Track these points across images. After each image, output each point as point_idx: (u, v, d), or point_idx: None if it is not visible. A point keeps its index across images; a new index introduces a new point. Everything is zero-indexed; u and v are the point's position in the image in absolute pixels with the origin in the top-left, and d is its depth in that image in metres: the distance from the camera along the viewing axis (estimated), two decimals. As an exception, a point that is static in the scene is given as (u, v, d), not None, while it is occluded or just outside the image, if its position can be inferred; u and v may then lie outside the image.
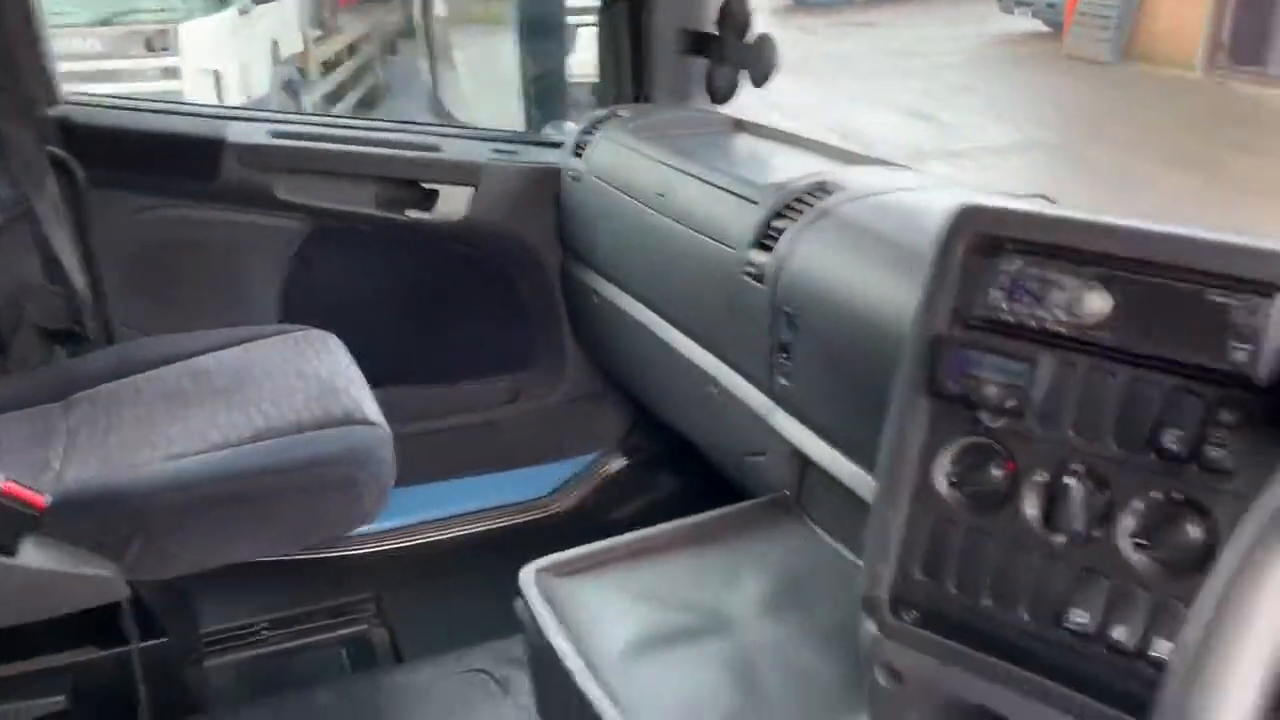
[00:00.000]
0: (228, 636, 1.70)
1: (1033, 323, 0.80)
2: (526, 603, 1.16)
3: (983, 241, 0.84)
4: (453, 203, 1.84)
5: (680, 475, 1.97)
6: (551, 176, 1.86)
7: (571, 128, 1.91)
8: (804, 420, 1.28)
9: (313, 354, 1.53)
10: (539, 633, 1.12)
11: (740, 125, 1.79)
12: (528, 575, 1.18)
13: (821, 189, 1.33)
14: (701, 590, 1.17)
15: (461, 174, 1.85)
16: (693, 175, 1.51)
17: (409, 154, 1.87)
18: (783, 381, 1.30)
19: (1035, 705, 0.81)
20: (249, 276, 1.89)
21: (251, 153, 1.81)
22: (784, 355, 1.28)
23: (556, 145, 1.91)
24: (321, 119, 2.34)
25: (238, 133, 1.82)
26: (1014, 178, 6.78)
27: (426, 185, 1.85)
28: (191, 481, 1.26)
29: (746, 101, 1.82)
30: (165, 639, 1.42)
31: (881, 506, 0.89)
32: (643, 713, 1.00)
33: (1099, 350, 0.78)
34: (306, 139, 1.87)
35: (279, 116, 2.17)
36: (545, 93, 2.23)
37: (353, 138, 1.90)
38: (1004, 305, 0.82)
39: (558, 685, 1.08)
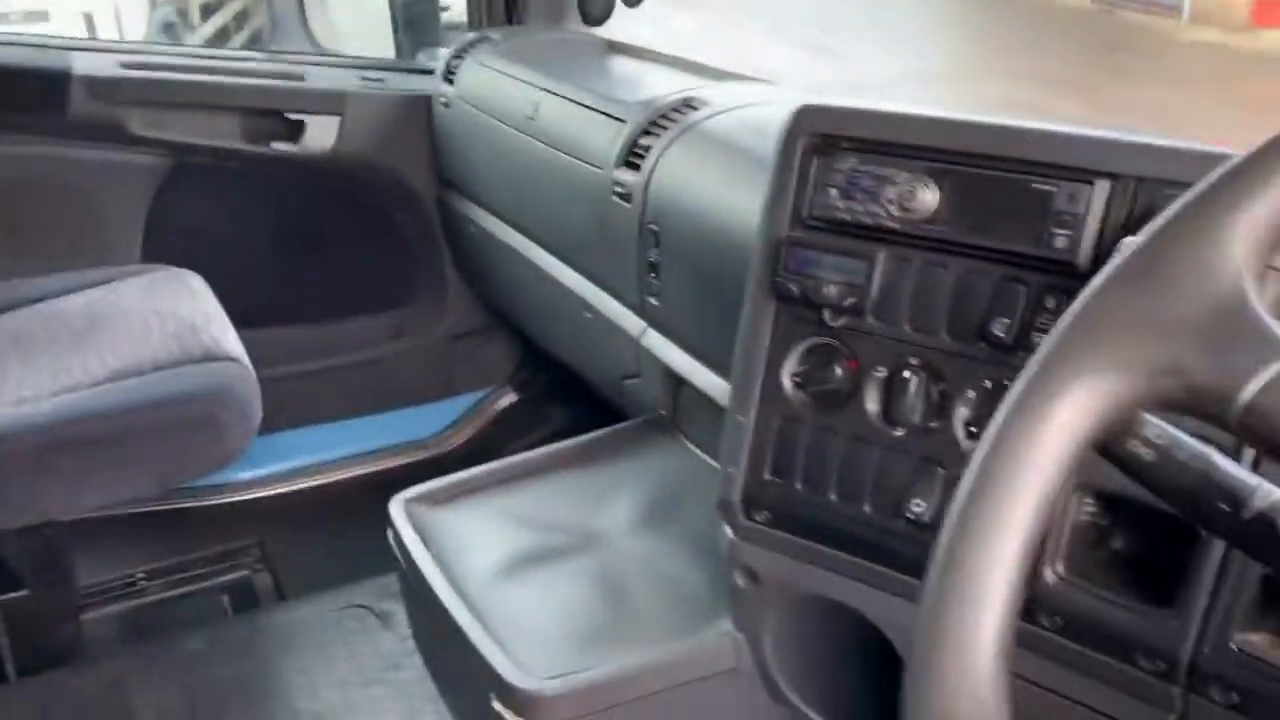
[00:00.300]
0: (106, 588, 1.65)
1: (868, 219, 0.81)
2: (396, 532, 1.14)
3: (819, 141, 0.83)
4: (320, 134, 1.77)
5: (571, 408, 1.96)
6: (422, 104, 1.80)
7: (444, 54, 1.85)
8: (675, 339, 1.27)
9: (172, 293, 1.47)
10: (408, 561, 1.11)
11: (613, 46, 1.76)
12: (397, 505, 1.17)
13: (688, 105, 1.32)
14: (573, 510, 1.17)
15: (328, 103, 1.78)
16: (561, 96, 1.48)
17: (271, 83, 1.79)
18: (653, 301, 1.29)
19: (882, 596, 0.83)
20: (108, 217, 1.79)
21: (102, 85, 1.71)
22: (653, 275, 1.27)
23: (427, 72, 1.86)
24: (177, 49, 2.23)
25: (85, 64, 1.72)
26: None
27: (291, 116, 1.77)
28: (39, 426, 1.20)
29: (636, 32, 1.78)
30: (26, 591, 1.37)
31: (734, 411, 0.90)
32: (510, 632, 1.00)
33: (931, 244, 0.79)
34: (162, 70, 1.78)
35: (130, 47, 2.06)
36: (416, 19, 2.15)
37: (211, 68, 1.80)
38: (840, 204, 0.82)
39: (428, 611, 1.07)
